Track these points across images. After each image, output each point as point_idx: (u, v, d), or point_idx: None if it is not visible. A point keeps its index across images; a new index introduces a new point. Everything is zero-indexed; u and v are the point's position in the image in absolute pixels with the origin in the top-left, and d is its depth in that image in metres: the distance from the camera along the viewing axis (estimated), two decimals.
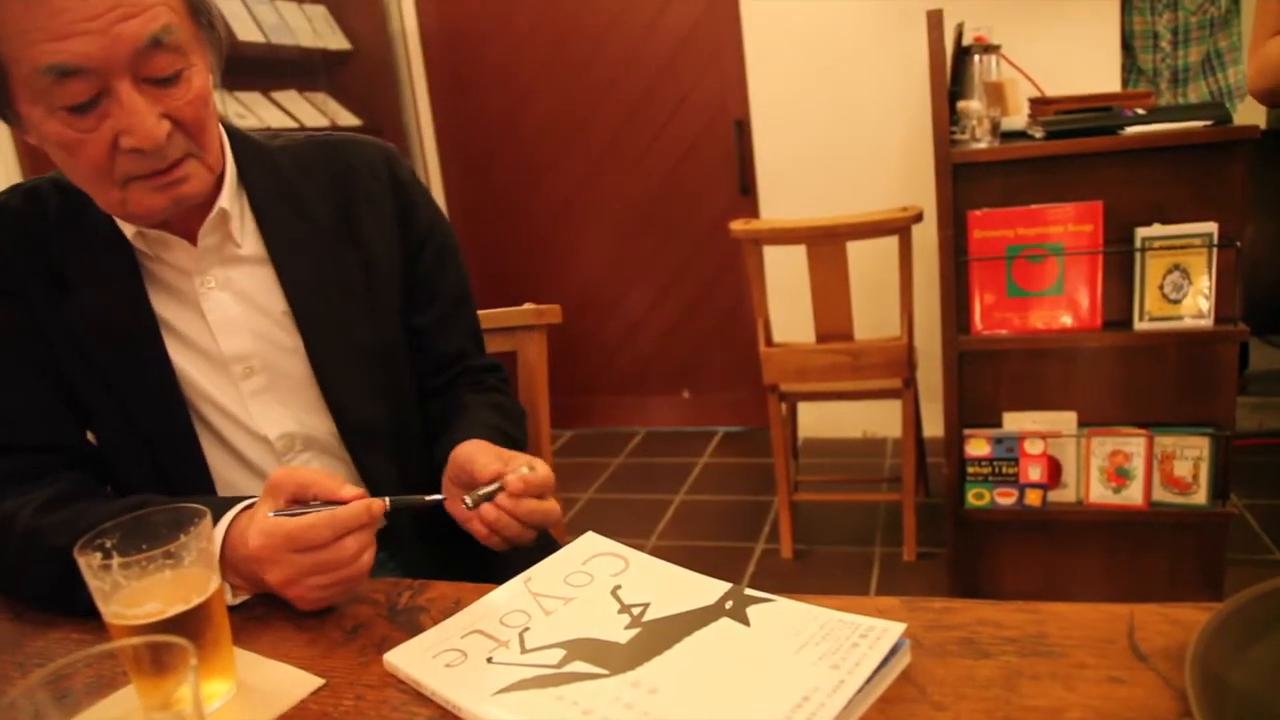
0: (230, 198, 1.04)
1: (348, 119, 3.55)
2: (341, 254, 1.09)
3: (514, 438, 1.09)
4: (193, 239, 1.03)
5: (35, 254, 1.00)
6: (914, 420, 2.63)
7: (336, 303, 1.08)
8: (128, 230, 1.01)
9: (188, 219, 1.02)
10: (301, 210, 1.08)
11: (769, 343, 2.59)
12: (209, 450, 1.06)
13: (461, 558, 1.06)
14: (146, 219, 0.97)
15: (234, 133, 1.08)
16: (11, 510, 0.91)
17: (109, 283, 1.01)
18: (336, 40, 3.58)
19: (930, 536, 2.72)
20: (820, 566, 2.70)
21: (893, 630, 0.67)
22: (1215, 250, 1.95)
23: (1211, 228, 1.95)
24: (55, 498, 0.93)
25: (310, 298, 1.07)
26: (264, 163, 1.09)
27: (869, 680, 0.63)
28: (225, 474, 1.07)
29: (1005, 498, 2.20)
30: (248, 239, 1.06)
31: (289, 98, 3.36)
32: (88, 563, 0.69)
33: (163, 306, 1.03)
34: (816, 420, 3.54)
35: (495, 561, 0.97)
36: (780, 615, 0.72)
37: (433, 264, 1.17)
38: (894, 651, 0.65)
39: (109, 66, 0.85)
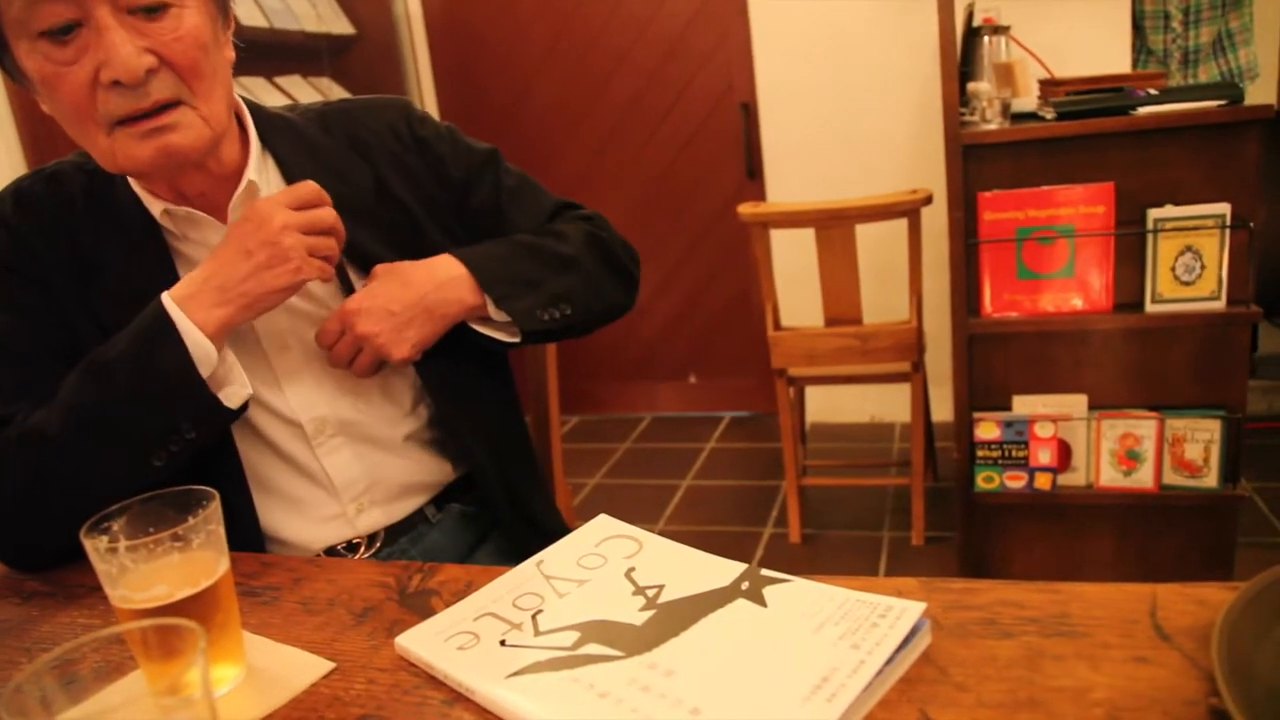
0: (256, 168, 1.02)
1: None
2: (381, 213, 1.08)
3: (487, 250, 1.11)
4: (221, 215, 1.01)
5: (59, 239, 0.98)
6: (923, 404, 2.61)
7: (385, 259, 1.06)
8: (154, 209, 0.99)
9: (214, 194, 1.01)
10: (334, 173, 1.06)
11: (777, 326, 2.58)
12: (237, 435, 1.01)
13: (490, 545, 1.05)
14: (136, 171, 0.95)
15: (251, 105, 1.07)
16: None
17: (139, 265, 0.99)
18: (340, 25, 3.56)
19: (938, 521, 2.71)
20: (828, 551, 2.70)
21: (913, 610, 0.65)
22: (1228, 231, 1.93)
23: (1224, 209, 1.93)
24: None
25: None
26: (287, 132, 1.07)
27: (889, 661, 0.62)
28: (251, 458, 1.03)
29: (1015, 481, 2.18)
30: None
31: (293, 83, 3.34)
32: (94, 546, 0.68)
33: None
34: (824, 405, 3.53)
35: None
36: (797, 596, 0.71)
37: (489, 192, 1.17)
38: (914, 632, 0.64)
39: None
